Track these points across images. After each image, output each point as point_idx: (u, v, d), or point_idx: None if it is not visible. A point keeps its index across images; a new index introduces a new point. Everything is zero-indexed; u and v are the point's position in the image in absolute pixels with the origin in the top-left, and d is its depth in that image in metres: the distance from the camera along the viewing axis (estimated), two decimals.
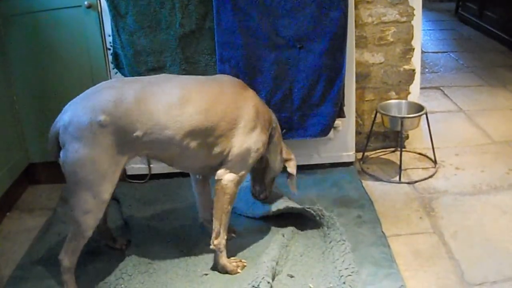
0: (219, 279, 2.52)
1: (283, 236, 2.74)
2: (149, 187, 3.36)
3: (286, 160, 2.78)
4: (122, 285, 2.47)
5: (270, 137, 2.64)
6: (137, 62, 3.07)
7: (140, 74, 3.06)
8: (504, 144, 3.80)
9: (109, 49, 3.17)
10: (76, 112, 2.30)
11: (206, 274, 2.56)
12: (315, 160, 3.47)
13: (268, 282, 2.36)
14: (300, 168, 3.42)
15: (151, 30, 3.03)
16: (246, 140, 2.49)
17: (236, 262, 2.58)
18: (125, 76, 3.16)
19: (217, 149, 2.46)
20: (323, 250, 2.68)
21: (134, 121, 2.31)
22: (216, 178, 2.50)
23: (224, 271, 2.54)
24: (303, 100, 3.13)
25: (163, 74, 2.66)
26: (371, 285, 2.42)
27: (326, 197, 3.16)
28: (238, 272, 2.54)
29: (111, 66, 3.19)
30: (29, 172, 3.45)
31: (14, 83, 3.24)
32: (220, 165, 2.51)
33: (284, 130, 3.17)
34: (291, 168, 2.76)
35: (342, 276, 2.45)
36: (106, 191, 2.33)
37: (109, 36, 3.13)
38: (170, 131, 2.35)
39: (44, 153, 3.37)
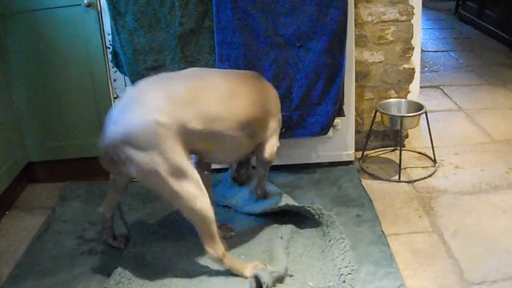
0: (218, 278, 2.51)
1: (281, 238, 2.73)
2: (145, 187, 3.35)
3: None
4: None
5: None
6: (136, 60, 3.06)
7: (139, 73, 3.06)
8: (504, 143, 3.80)
9: (109, 48, 3.17)
10: (131, 121, 2.25)
11: (205, 273, 2.55)
12: (315, 159, 3.47)
13: (266, 283, 2.37)
14: (300, 167, 3.44)
15: (151, 29, 3.03)
16: (275, 122, 2.74)
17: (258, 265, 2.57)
18: (125, 74, 3.16)
19: (259, 136, 2.65)
20: (322, 249, 2.68)
21: (192, 116, 2.32)
22: (266, 158, 2.75)
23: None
24: (302, 99, 3.13)
25: (191, 68, 2.75)
26: (371, 284, 2.42)
27: (325, 196, 3.16)
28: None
29: (111, 64, 3.19)
30: (28, 171, 3.45)
31: (13, 81, 3.24)
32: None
33: (284, 129, 3.17)
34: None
35: (342, 274, 2.46)
36: (193, 170, 2.33)
37: (109, 34, 3.13)
38: (227, 122, 2.42)
39: (43, 152, 3.38)
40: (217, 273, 2.54)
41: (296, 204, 2.89)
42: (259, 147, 2.73)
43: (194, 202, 2.32)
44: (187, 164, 2.31)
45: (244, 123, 2.48)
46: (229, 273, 2.52)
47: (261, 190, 2.96)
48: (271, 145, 2.77)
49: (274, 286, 2.42)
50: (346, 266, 2.50)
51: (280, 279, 2.46)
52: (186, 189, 2.30)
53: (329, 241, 2.69)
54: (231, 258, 2.50)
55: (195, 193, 2.32)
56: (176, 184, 2.28)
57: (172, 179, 2.27)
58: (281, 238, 2.73)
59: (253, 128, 2.55)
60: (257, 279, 2.36)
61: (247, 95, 2.53)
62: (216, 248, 2.41)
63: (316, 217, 2.82)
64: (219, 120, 2.40)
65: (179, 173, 2.28)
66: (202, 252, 2.67)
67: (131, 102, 2.32)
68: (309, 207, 2.84)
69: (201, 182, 2.35)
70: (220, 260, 2.44)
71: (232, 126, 2.44)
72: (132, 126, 2.23)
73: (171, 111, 2.27)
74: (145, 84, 2.41)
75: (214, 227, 2.40)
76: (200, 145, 2.40)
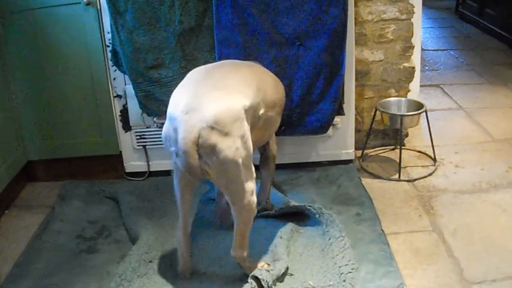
0: (218, 278, 2.51)
1: (281, 238, 2.72)
2: (148, 185, 3.36)
3: None
4: None
5: None
6: (136, 59, 3.06)
7: (139, 72, 3.05)
8: (504, 142, 3.80)
9: (108, 46, 3.16)
10: (217, 107, 2.14)
11: (205, 273, 2.55)
12: (314, 158, 3.46)
13: (269, 283, 2.37)
14: (300, 165, 3.44)
15: (150, 27, 3.02)
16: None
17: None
18: (124, 73, 3.16)
19: (276, 126, 2.71)
20: (322, 248, 2.67)
21: (260, 101, 2.37)
22: (274, 152, 2.86)
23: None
24: (302, 98, 3.13)
25: (224, 61, 2.77)
26: (371, 283, 2.42)
27: (325, 195, 3.16)
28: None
29: (110, 63, 3.19)
30: (28, 170, 3.45)
31: (12, 80, 3.23)
32: None
33: (283, 127, 3.17)
34: None
35: (342, 273, 2.45)
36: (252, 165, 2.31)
37: (108, 33, 3.12)
38: (278, 109, 2.60)
39: (43, 151, 3.38)
40: (217, 273, 2.54)
41: (296, 203, 2.89)
42: (268, 142, 2.77)
43: (252, 195, 2.29)
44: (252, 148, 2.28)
45: (281, 110, 2.68)
46: (230, 273, 2.52)
47: (265, 196, 2.92)
48: (274, 140, 2.85)
49: (275, 285, 2.41)
50: (346, 265, 2.50)
51: (280, 278, 2.46)
52: (250, 181, 2.27)
53: (329, 239, 2.69)
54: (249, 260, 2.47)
55: (253, 187, 2.30)
56: (244, 174, 2.23)
57: (243, 168, 2.21)
58: (281, 237, 2.72)
59: (280, 115, 2.70)
60: (256, 279, 2.36)
61: (270, 82, 2.62)
62: (245, 248, 2.40)
63: (317, 216, 2.82)
64: (273, 107, 2.53)
65: (248, 163, 2.24)
66: (201, 250, 2.68)
67: (207, 88, 2.24)
68: (309, 206, 2.84)
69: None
70: (244, 260, 2.42)
71: (279, 112, 2.63)
72: (219, 110, 2.13)
73: (250, 96, 2.28)
74: (220, 66, 2.51)
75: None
76: (256, 131, 2.41)
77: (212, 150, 2.12)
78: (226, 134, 2.13)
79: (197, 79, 2.34)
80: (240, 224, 2.35)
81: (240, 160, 2.18)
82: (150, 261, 2.62)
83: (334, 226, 2.75)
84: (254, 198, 2.31)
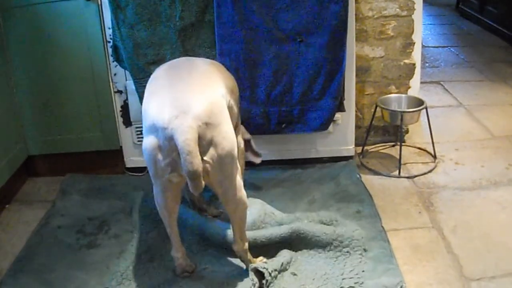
0: (219, 274, 2.51)
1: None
2: (148, 180, 3.35)
3: None
4: None
5: None
6: (136, 55, 3.06)
7: (139, 67, 3.05)
8: (504, 139, 3.80)
9: (109, 42, 3.16)
10: (203, 102, 2.14)
11: (205, 268, 2.56)
12: (315, 154, 3.46)
13: (270, 273, 2.37)
14: (300, 162, 3.44)
15: (151, 23, 3.02)
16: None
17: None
18: (125, 68, 3.16)
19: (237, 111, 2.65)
20: (337, 256, 2.61)
21: (226, 89, 2.39)
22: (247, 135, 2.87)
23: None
24: (303, 94, 3.13)
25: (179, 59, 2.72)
26: (370, 280, 2.42)
27: (325, 192, 3.16)
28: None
29: (111, 59, 3.19)
30: (28, 164, 3.45)
31: (13, 75, 3.23)
32: None
33: (284, 124, 3.17)
34: None
35: (342, 286, 2.42)
36: None
37: (109, 28, 3.12)
38: (234, 95, 2.58)
39: (43, 145, 3.38)
40: (218, 269, 2.54)
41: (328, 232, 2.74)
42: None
43: (242, 189, 2.33)
44: None
45: (238, 98, 2.65)
46: (230, 269, 2.53)
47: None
48: (242, 132, 2.86)
49: (275, 278, 2.41)
50: (351, 278, 2.45)
51: (282, 274, 2.47)
52: (239, 176, 2.31)
53: (347, 251, 2.63)
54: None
55: (242, 182, 2.35)
56: (236, 168, 2.26)
57: (235, 162, 2.25)
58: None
59: (238, 104, 2.67)
60: (256, 272, 2.37)
61: (227, 71, 2.68)
62: (245, 240, 2.42)
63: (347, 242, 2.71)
64: (233, 93, 2.52)
65: (237, 155, 2.26)
66: (202, 246, 2.68)
67: (180, 89, 2.24)
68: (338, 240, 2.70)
69: None
70: (245, 252, 2.43)
71: (236, 100, 2.59)
72: (207, 104, 2.14)
73: (221, 85, 2.36)
74: (169, 73, 2.41)
75: None
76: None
77: (211, 145, 2.13)
78: (218, 125, 2.14)
79: (164, 84, 2.31)
80: (236, 219, 2.36)
81: (235, 152, 2.21)
82: (149, 261, 2.62)
83: (359, 243, 2.67)
84: (244, 192, 2.34)
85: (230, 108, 2.36)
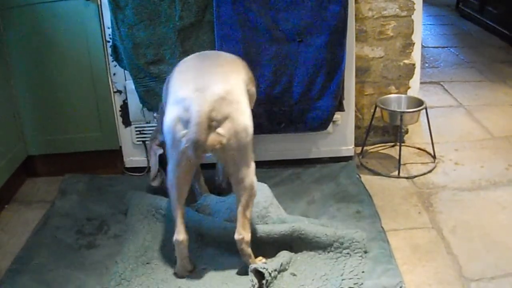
0: (218, 272, 2.51)
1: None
2: (147, 180, 3.35)
3: None
4: None
5: None
6: (136, 54, 3.06)
7: (139, 67, 3.06)
8: (504, 140, 3.80)
9: (108, 42, 3.16)
10: (224, 82, 2.33)
11: (204, 269, 2.55)
12: (314, 154, 3.46)
13: (270, 273, 2.37)
14: (299, 162, 3.44)
15: (151, 22, 3.02)
16: None
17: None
18: (124, 68, 3.16)
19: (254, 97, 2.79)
20: (338, 257, 2.60)
21: (247, 77, 2.55)
22: None
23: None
24: (302, 94, 3.13)
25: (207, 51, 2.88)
26: (369, 281, 2.42)
27: (324, 192, 3.15)
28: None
29: (110, 58, 3.19)
30: (28, 164, 3.45)
31: (13, 75, 3.23)
32: None
33: (283, 124, 3.17)
34: None
35: (341, 287, 2.41)
36: None
37: (108, 28, 3.12)
38: (252, 83, 2.70)
39: (43, 145, 3.38)
40: (217, 269, 2.54)
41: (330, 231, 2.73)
42: None
43: (254, 175, 2.41)
44: None
45: (254, 86, 2.74)
46: (228, 269, 2.52)
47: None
48: None
49: (275, 278, 2.41)
50: (350, 278, 2.44)
51: (282, 274, 2.46)
52: (252, 161, 2.42)
53: (347, 253, 2.61)
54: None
55: (254, 168, 2.43)
56: (250, 150, 2.39)
57: (250, 143, 2.38)
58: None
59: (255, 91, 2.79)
60: (257, 271, 2.36)
61: (244, 62, 2.75)
62: (247, 230, 2.42)
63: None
64: (252, 82, 2.66)
65: (252, 139, 2.38)
66: (200, 246, 2.68)
67: (206, 70, 2.41)
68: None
69: None
70: (247, 245, 2.43)
71: (254, 87, 2.71)
72: (227, 84, 2.32)
73: (243, 72, 2.53)
74: (199, 58, 2.58)
75: None
76: None
77: (226, 118, 2.27)
78: (236, 102, 2.31)
79: (191, 66, 2.50)
80: (243, 203, 2.39)
81: (250, 129, 2.34)
82: (147, 263, 2.60)
83: (360, 245, 2.65)
84: (256, 180, 2.41)
85: (250, 96, 2.50)
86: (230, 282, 2.44)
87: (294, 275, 2.49)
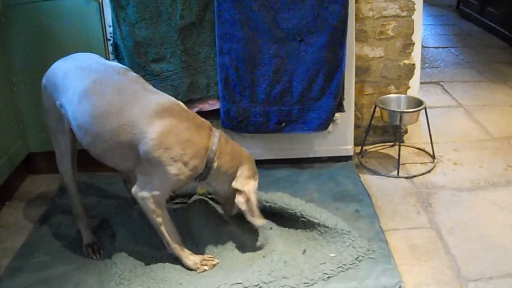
0: (219, 269, 2.52)
1: (271, 229, 2.75)
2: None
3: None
4: None
5: None
6: (137, 53, 3.07)
7: (140, 66, 3.06)
8: (503, 140, 3.81)
9: (109, 40, 3.17)
10: None
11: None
12: (313, 154, 3.47)
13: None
14: (299, 161, 3.45)
15: (152, 21, 3.03)
16: None
17: (205, 260, 2.56)
18: (126, 66, 3.16)
19: None
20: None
21: None
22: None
23: (190, 269, 2.53)
24: (302, 94, 3.14)
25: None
26: (368, 280, 2.43)
27: (324, 191, 3.16)
28: (205, 270, 2.52)
29: (111, 57, 3.19)
30: (29, 162, 3.46)
31: (14, 72, 3.24)
32: None
33: (283, 124, 3.18)
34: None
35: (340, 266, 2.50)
36: None
37: (110, 26, 3.13)
38: None
39: (44, 143, 3.38)
40: (217, 267, 2.54)
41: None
42: None
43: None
44: None
45: None
46: (229, 265, 2.54)
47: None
48: None
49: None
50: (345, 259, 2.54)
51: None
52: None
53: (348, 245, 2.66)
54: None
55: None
56: None
57: None
58: (271, 228, 2.77)
59: None
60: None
61: None
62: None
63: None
64: None
65: None
66: (199, 243, 2.68)
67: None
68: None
69: None
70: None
71: None
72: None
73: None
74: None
75: None
76: None
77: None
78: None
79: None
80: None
81: None
82: (146, 264, 2.59)
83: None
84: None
85: None
86: (231, 277, 2.45)
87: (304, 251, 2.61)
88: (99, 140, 2.43)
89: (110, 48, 3.17)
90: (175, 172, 2.37)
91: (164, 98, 2.47)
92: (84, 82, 2.44)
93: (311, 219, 2.75)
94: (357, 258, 2.54)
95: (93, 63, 2.57)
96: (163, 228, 2.49)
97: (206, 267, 2.52)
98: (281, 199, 2.86)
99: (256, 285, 2.38)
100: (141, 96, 2.42)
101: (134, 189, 2.44)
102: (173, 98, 2.52)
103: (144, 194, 2.42)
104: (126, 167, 2.52)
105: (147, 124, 2.35)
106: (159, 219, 2.47)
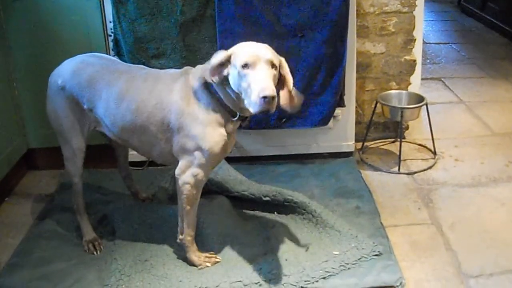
0: (219, 266, 2.52)
1: (273, 227, 2.76)
2: (148, 174, 3.36)
3: None
4: (123, 286, 2.43)
5: None
6: (137, 49, 3.06)
7: (140, 61, 3.06)
8: (504, 136, 3.80)
9: (110, 36, 3.16)
10: None
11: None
12: (314, 150, 3.46)
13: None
14: (300, 157, 3.44)
15: (152, 17, 3.02)
16: None
17: (207, 257, 2.55)
18: (126, 63, 3.15)
19: None
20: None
21: None
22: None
23: (191, 264, 2.53)
24: (303, 89, 3.12)
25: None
26: (369, 277, 2.42)
27: (324, 187, 3.16)
28: (207, 266, 2.51)
29: (112, 53, 3.19)
30: (28, 158, 3.45)
31: (14, 68, 3.23)
32: None
33: (284, 119, 3.17)
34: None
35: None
36: None
37: (110, 22, 3.12)
38: None
39: (43, 139, 3.38)
40: (218, 264, 2.53)
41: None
42: None
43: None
44: None
45: None
46: (230, 262, 2.53)
47: None
48: None
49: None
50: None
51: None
52: None
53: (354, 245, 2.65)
54: None
55: None
56: None
57: None
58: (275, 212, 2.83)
59: None
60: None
61: None
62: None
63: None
64: None
65: None
66: (200, 239, 2.68)
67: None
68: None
69: None
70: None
71: None
72: None
73: None
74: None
75: None
76: None
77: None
78: None
79: None
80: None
81: None
82: (146, 260, 2.59)
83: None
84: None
85: None
86: (231, 274, 2.45)
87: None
88: (139, 131, 2.46)
89: (111, 44, 3.17)
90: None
91: (176, 70, 2.53)
92: (117, 84, 2.46)
93: (314, 216, 2.76)
94: (360, 258, 2.53)
95: (118, 64, 2.61)
96: (189, 215, 2.49)
97: (208, 264, 2.52)
98: (286, 192, 2.89)
99: (256, 283, 2.38)
100: (162, 74, 2.49)
101: (177, 171, 2.44)
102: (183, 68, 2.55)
103: (186, 178, 2.41)
104: (165, 153, 2.50)
105: (170, 92, 2.39)
106: (189, 207, 2.47)
